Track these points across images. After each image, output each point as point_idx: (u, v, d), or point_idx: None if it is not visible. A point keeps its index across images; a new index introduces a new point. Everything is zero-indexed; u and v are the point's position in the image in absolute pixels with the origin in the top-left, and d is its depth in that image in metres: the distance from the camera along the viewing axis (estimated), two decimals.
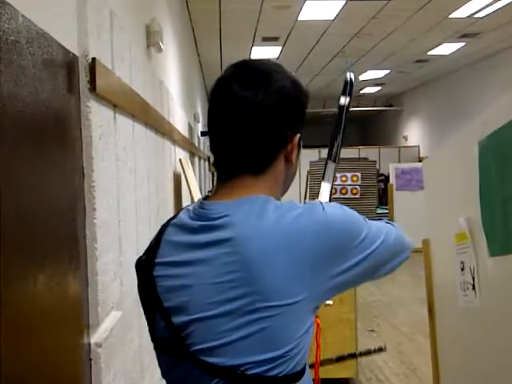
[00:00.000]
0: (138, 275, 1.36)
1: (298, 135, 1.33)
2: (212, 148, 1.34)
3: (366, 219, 1.28)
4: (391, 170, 12.32)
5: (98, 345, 1.71)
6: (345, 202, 9.05)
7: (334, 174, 1.65)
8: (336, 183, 12.04)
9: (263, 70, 1.30)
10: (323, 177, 1.67)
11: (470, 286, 2.23)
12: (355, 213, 1.28)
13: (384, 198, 13.11)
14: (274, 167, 1.29)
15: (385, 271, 1.34)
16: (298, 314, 1.17)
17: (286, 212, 1.20)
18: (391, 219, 11.00)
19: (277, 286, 1.14)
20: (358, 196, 11.49)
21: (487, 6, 8.74)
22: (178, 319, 1.22)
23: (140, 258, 1.35)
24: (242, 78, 1.27)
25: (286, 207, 1.21)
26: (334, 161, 1.69)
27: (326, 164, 1.67)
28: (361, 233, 1.22)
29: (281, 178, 1.33)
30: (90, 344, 1.69)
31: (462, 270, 2.29)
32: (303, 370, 1.22)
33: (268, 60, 1.36)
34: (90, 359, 1.69)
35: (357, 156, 16.89)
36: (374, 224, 1.30)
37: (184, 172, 4.91)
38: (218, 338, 1.16)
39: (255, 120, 1.25)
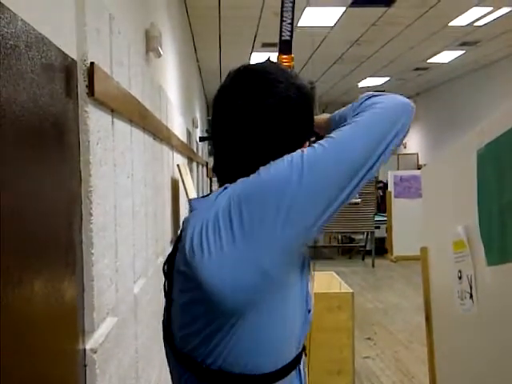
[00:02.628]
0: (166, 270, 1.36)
1: (307, 143, 1.32)
2: (217, 158, 1.33)
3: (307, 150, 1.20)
4: (390, 177, 12.30)
5: (93, 351, 1.70)
6: (342, 208, 9.03)
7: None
8: None
9: (267, 81, 1.27)
10: None
11: (468, 295, 2.23)
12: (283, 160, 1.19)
13: (382, 206, 13.08)
14: None
15: (385, 152, 1.23)
16: (258, 298, 1.13)
17: (220, 192, 1.22)
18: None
19: (215, 274, 1.13)
20: (356, 203, 11.47)
21: (487, 14, 8.75)
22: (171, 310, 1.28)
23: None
24: (246, 91, 1.25)
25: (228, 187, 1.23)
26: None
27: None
28: (287, 179, 1.14)
29: None
30: (84, 350, 1.68)
31: (460, 278, 2.29)
32: (276, 376, 1.19)
33: (269, 66, 1.32)
34: (85, 365, 1.68)
35: None
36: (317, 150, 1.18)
37: (182, 177, 4.90)
38: (185, 327, 1.21)
39: (267, 135, 1.24)
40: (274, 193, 1.12)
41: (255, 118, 1.23)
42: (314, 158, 1.15)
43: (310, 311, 1.31)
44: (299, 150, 1.19)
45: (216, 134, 1.32)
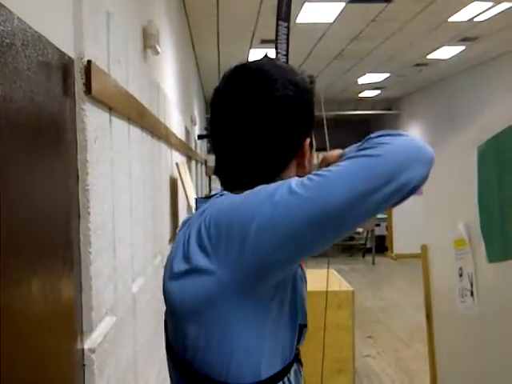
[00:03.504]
0: None
1: (308, 140, 1.29)
2: (218, 161, 1.31)
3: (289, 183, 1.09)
4: None
5: (92, 350, 1.69)
6: None
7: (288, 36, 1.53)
8: None
9: (262, 80, 1.23)
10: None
11: (468, 292, 2.22)
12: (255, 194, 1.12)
13: None
14: (281, 178, 1.22)
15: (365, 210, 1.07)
16: (217, 308, 1.12)
17: (214, 199, 1.22)
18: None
19: (172, 279, 1.18)
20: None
21: (487, 9, 8.74)
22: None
23: None
24: (242, 91, 1.23)
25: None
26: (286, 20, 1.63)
27: (276, 24, 1.55)
28: (252, 217, 1.07)
29: None
30: (83, 349, 1.68)
31: (461, 276, 2.28)
32: None
33: (264, 63, 1.29)
34: (84, 365, 1.68)
35: None
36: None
37: (180, 176, 4.90)
38: (171, 329, 1.25)
39: (263, 135, 1.21)
40: (243, 223, 1.08)
41: (252, 118, 1.21)
42: (291, 199, 1.06)
43: (305, 326, 1.29)
44: (282, 183, 1.10)
45: (215, 135, 1.30)
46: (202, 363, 1.15)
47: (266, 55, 1.34)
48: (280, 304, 1.18)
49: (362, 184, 1.05)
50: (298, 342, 1.27)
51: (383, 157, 1.07)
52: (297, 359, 1.30)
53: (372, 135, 1.16)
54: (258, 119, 1.21)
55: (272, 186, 1.10)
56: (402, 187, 1.08)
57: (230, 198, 1.17)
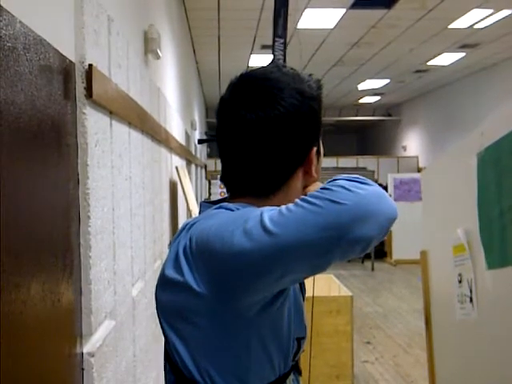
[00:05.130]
0: None
1: (315, 148, 1.27)
2: (223, 168, 1.30)
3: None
4: (390, 180, 12.30)
5: (91, 354, 1.69)
6: None
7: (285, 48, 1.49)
8: None
9: (267, 90, 1.21)
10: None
11: (468, 299, 2.22)
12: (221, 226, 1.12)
13: None
14: (287, 186, 1.24)
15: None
16: (196, 320, 1.14)
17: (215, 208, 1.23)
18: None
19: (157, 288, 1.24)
20: None
21: (487, 16, 8.76)
22: None
23: None
24: (247, 101, 1.21)
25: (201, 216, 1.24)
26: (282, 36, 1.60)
27: (273, 41, 1.52)
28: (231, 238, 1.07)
29: (294, 194, 1.23)
30: (82, 353, 1.68)
31: (460, 282, 2.28)
32: None
33: (270, 71, 1.26)
34: (83, 369, 1.68)
35: (355, 166, 16.93)
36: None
37: (180, 180, 4.90)
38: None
39: (269, 145, 1.20)
40: (218, 246, 1.09)
41: (258, 128, 1.19)
42: (259, 230, 1.05)
43: (303, 338, 1.29)
44: (259, 213, 1.08)
45: (221, 144, 1.29)
46: (188, 370, 1.15)
47: (272, 61, 1.33)
48: (271, 320, 1.17)
49: (316, 233, 1.02)
50: (296, 354, 1.27)
51: (346, 206, 1.03)
52: (294, 369, 1.29)
53: (338, 177, 1.12)
54: (264, 129, 1.19)
55: (251, 212, 1.10)
56: (356, 243, 1.04)
57: (218, 216, 1.17)
